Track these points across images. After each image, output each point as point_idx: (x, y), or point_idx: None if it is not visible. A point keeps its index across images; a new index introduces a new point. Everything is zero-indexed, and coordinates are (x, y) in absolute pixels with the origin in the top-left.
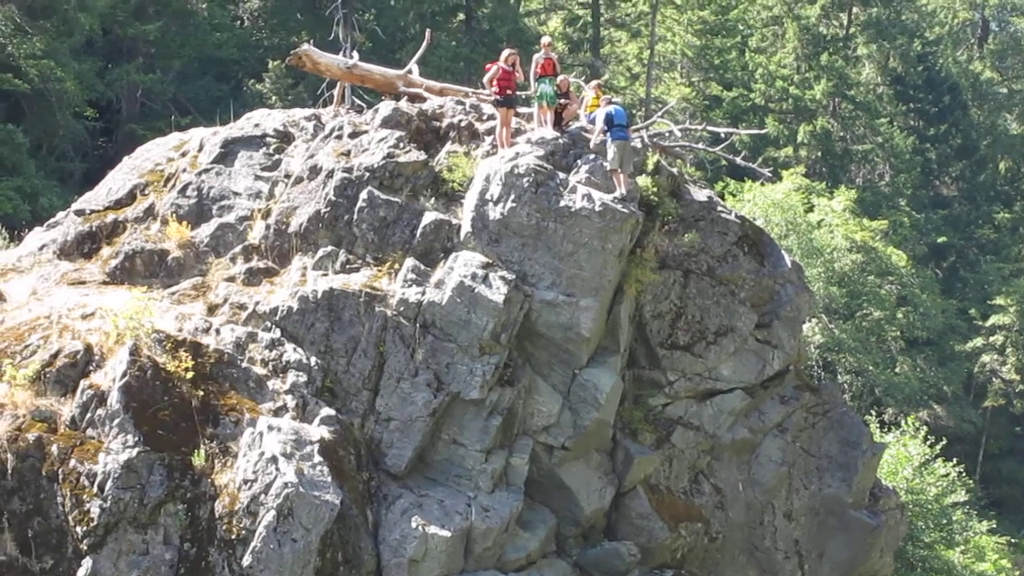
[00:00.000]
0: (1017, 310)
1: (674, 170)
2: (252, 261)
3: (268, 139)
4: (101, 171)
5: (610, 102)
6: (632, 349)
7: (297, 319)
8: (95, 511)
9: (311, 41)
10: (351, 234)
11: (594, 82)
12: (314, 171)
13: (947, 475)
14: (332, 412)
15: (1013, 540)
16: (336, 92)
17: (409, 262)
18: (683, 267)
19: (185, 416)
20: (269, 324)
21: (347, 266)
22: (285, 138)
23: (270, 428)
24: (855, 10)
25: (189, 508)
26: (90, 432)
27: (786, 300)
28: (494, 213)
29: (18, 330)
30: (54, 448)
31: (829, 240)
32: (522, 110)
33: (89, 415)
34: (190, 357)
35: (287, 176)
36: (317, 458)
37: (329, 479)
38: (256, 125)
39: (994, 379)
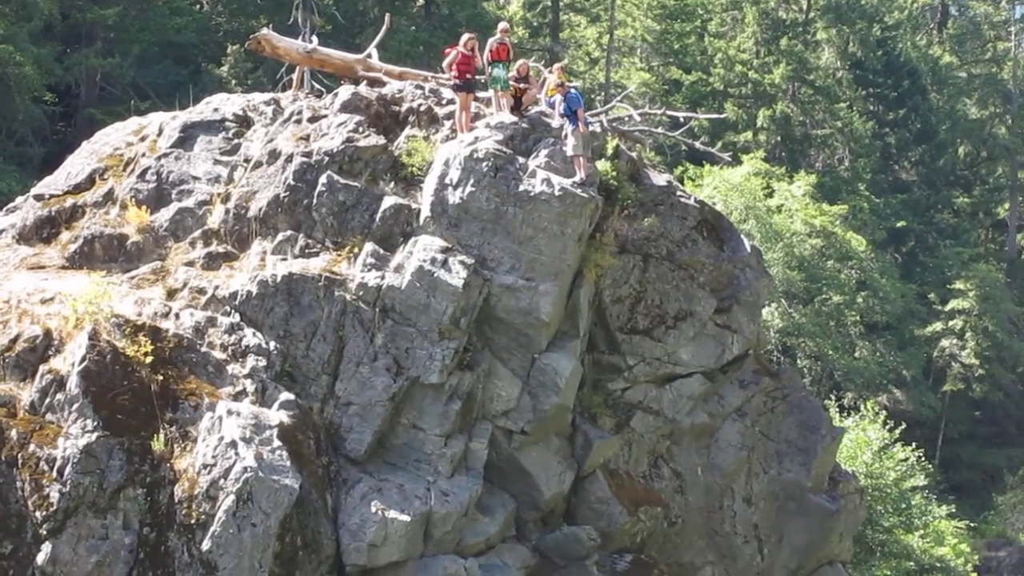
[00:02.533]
0: (976, 295)
1: (633, 155)
2: (211, 245)
3: (227, 123)
4: (60, 156)
5: (561, 86)
6: (591, 334)
7: (256, 303)
8: (54, 496)
9: (270, 25)
10: (310, 218)
11: (557, 65)
12: (273, 155)
13: (906, 459)
14: (291, 396)
15: (972, 524)
16: (295, 76)
17: (368, 246)
18: (642, 251)
19: (144, 401)
20: (228, 308)
21: (306, 250)
22: (244, 122)
23: (229, 412)
24: None
25: (148, 493)
26: (49, 417)
27: (745, 285)
28: (453, 197)
29: None
30: (13, 433)
31: (789, 225)
32: (482, 95)
33: (48, 400)
34: (149, 342)
35: (246, 160)
36: (276, 442)
37: (288, 463)
38: (215, 110)
39: (953, 363)
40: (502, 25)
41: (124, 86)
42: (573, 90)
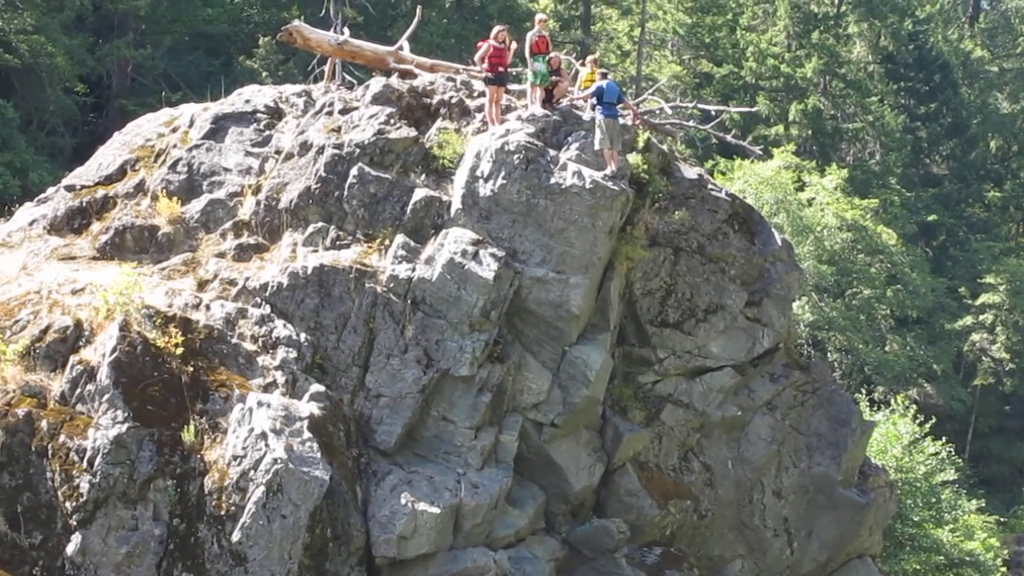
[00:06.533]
0: (1007, 289)
1: (664, 148)
2: (242, 237)
3: (259, 115)
4: (91, 146)
5: (604, 77)
6: (622, 326)
7: (287, 295)
8: (84, 486)
9: (302, 17)
10: (341, 210)
11: (590, 57)
12: (304, 147)
13: (936, 453)
14: (322, 388)
15: (1002, 519)
16: (327, 68)
17: (399, 238)
18: (673, 245)
19: (175, 392)
20: (259, 300)
21: (337, 242)
22: (276, 114)
23: (260, 404)
24: None
25: (178, 484)
26: (80, 408)
27: (776, 278)
28: (484, 190)
29: (8, 305)
30: (44, 423)
31: (819, 218)
32: (513, 87)
33: (79, 390)
34: (180, 333)
35: (277, 152)
36: (307, 434)
37: (318, 455)
38: (247, 101)
39: (984, 358)
40: (540, 17)
41: (155, 77)
42: (610, 82)
